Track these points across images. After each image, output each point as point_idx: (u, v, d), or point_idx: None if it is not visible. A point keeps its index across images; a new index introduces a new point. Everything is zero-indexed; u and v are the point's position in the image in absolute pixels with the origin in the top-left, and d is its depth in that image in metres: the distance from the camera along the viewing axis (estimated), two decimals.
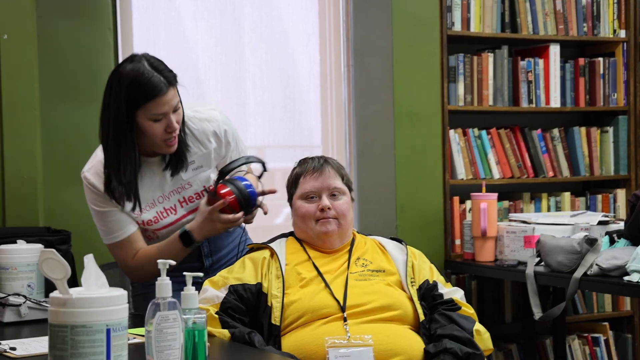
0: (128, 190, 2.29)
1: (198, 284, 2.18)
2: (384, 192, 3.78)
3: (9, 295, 2.34)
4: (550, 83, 4.03)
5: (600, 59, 4.13)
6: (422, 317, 2.17)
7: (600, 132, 4.18)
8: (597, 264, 2.99)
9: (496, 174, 3.94)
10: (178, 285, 1.70)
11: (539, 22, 4.00)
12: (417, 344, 2.11)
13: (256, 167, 2.48)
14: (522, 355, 3.86)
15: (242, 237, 2.50)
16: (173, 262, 1.65)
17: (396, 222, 3.73)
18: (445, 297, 2.24)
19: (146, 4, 3.52)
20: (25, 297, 2.33)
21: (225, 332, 2.07)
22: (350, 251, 2.28)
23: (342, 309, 2.11)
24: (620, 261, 2.89)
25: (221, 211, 2.28)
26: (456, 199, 3.86)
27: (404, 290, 2.22)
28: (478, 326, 2.19)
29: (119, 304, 1.47)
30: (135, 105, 2.21)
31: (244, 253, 2.38)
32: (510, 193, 4.03)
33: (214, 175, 2.42)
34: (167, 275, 1.62)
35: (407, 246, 2.32)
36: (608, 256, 2.94)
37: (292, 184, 2.32)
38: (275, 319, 2.10)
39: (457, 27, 3.84)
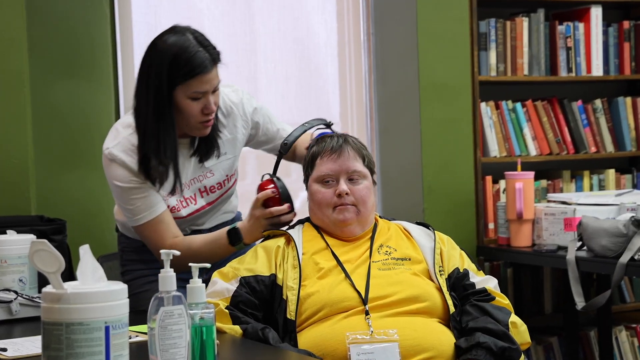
0: (169, 170, 2.31)
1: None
2: (409, 173, 3.76)
3: None
4: (592, 49, 3.99)
5: None
6: (452, 309, 2.15)
7: None
8: None
9: (533, 150, 3.91)
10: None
11: None
12: (447, 338, 2.10)
13: None
14: (564, 348, 3.84)
15: None
16: (177, 253, 1.64)
17: (423, 205, 3.72)
18: (478, 286, 2.22)
19: None
20: (16, 292, 2.32)
21: (237, 329, 2.07)
22: (372, 238, 2.26)
23: (364, 301, 2.10)
24: None
25: (266, 206, 2.30)
26: (489, 178, 3.84)
27: (432, 280, 2.20)
28: (514, 318, 2.17)
29: (119, 299, 1.46)
30: (176, 81, 2.24)
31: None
32: (549, 171, 4.01)
33: (237, 164, 2.47)
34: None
35: (435, 231, 2.30)
36: None
37: (309, 164, 2.30)
38: (291, 313, 2.09)
39: None
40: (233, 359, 1.92)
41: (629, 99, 4.11)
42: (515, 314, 2.21)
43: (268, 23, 3.69)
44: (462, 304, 2.19)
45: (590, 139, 4.02)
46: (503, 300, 2.22)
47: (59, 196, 3.21)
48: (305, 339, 2.08)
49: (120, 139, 2.35)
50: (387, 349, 2.02)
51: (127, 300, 1.49)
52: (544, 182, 3.94)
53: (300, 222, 2.34)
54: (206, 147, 2.39)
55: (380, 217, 2.38)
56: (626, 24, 4.08)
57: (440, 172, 3.75)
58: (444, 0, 3.73)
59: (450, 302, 2.16)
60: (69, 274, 2.43)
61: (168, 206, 2.38)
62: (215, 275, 2.19)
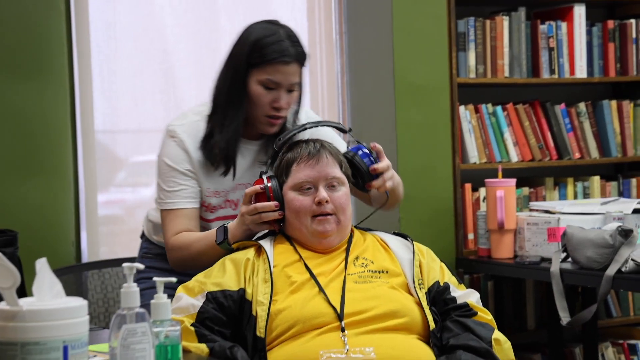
0: (228, 147, 2.39)
1: None
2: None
3: None
4: (575, 50, 4.02)
5: (633, 21, 4.12)
6: (432, 325, 2.16)
7: (633, 105, 4.18)
8: (632, 259, 2.98)
9: (514, 156, 3.94)
10: None
11: None
12: (426, 356, 2.10)
13: None
14: None
15: None
16: (140, 266, 1.63)
17: (399, 214, 3.72)
18: (459, 301, 2.23)
19: None
20: None
21: (203, 347, 2.05)
22: (347, 249, 2.26)
23: (340, 317, 2.09)
24: None
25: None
26: (468, 186, 3.86)
27: (411, 294, 2.20)
28: (497, 334, 2.18)
29: (78, 316, 1.45)
30: (253, 63, 2.36)
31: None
32: (531, 178, 4.03)
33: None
34: None
35: (414, 242, 2.31)
36: None
37: (283, 171, 2.29)
38: (261, 330, 2.08)
39: None
40: None
41: (614, 102, 4.15)
42: (498, 330, 2.22)
43: (233, 20, 3.68)
44: (443, 320, 2.20)
45: (574, 144, 4.06)
46: (486, 316, 2.22)
47: (10, 205, 3.18)
48: (276, 357, 2.07)
49: (187, 121, 2.46)
50: None
51: (87, 317, 1.48)
52: (526, 190, 3.96)
53: (272, 233, 2.33)
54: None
55: (355, 227, 2.38)
56: (611, 24, 4.12)
57: (416, 179, 3.76)
58: None
59: (430, 317, 2.16)
60: (20, 290, 2.40)
61: (209, 205, 2.46)
62: (180, 290, 2.18)
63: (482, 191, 3.84)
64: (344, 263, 2.22)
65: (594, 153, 4.10)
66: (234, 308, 2.13)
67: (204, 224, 2.50)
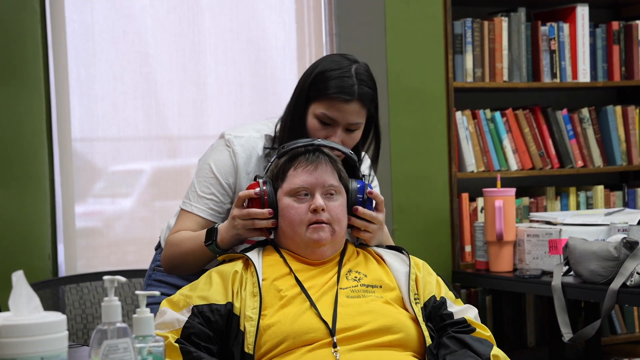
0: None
1: None
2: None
3: None
4: (578, 53, 4.05)
5: (639, 22, 4.15)
6: (428, 342, 2.17)
7: (639, 111, 4.21)
8: (638, 273, 3.00)
9: (513, 164, 3.96)
10: None
11: None
12: None
13: None
14: None
15: None
16: (122, 279, 1.64)
17: (392, 225, 3.74)
18: (456, 316, 2.24)
19: None
20: None
21: None
22: (340, 262, 2.27)
23: (332, 332, 2.10)
24: None
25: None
26: (465, 196, 3.88)
27: (406, 309, 2.21)
28: (496, 351, 2.19)
29: (57, 331, 1.45)
30: (312, 95, 2.38)
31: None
32: (531, 188, 4.05)
33: None
34: None
35: (410, 256, 2.32)
36: None
37: (278, 175, 2.30)
38: (249, 346, 2.09)
39: None
40: None
41: (618, 108, 4.17)
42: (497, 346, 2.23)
43: (218, 21, 3.70)
44: (440, 336, 2.21)
45: (577, 152, 4.08)
46: (484, 332, 2.24)
47: None
48: None
49: (246, 136, 2.48)
50: None
51: (66, 333, 1.48)
52: (526, 200, 3.99)
53: (260, 244, 2.34)
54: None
55: (347, 239, 2.39)
56: (615, 25, 4.15)
57: (411, 188, 3.78)
58: None
59: (426, 333, 2.17)
60: None
61: None
62: (164, 304, 2.18)
63: (480, 201, 3.86)
64: (336, 276, 2.23)
65: (598, 161, 4.12)
66: (221, 323, 2.14)
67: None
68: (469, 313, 2.26)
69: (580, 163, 4.08)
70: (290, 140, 2.37)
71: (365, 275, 2.25)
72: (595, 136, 4.13)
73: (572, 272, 3.26)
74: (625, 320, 4.16)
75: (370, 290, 2.21)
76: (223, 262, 2.31)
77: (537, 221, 3.67)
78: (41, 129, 3.28)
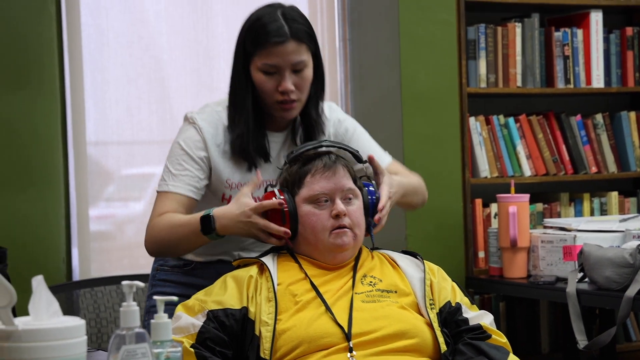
0: (241, 141, 2.40)
1: None
2: None
3: None
4: (592, 58, 4.05)
5: None
6: (443, 348, 2.17)
7: None
8: None
9: (527, 170, 3.96)
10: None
11: None
12: None
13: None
14: None
15: None
16: (141, 284, 1.64)
17: (406, 231, 3.74)
18: (472, 322, 2.24)
19: None
20: None
21: None
22: (355, 267, 2.28)
23: (347, 337, 2.11)
24: None
25: (267, 216, 2.28)
26: (479, 201, 3.88)
27: (422, 315, 2.22)
28: (512, 358, 2.20)
29: (76, 336, 1.46)
30: (250, 51, 2.37)
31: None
32: (545, 194, 4.05)
33: None
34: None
35: (425, 261, 2.33)
36: None
37: (295, 183, 2.30)
38: (265, 351, 2.09)
39: None
40: None
41: (632, 114, 4.17)
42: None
43: (232, 26, 3.71)
44: (455, 342, 2.21)
45: (591, 157, 4.08)
46: (500, 339, 2.24)
47: None
48: None
49: (208, 110, 2.48)
50: None
51: (85, 337, 1.49)
52: (539, 206, 3.98)
53: (274, 250, 2.35)
54: (309, 139, 2.46)
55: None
56: (629, 31, 4.15)
57: None
58: (428, 3, 3.77)
59: (441, 339, 2.18)
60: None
61: (230, 198, 2.43)
62: (179, 309, 2.19)
63: (494, 207, 3.86)
64: (351, 281, 2.24)
65: (612, 167, 4.12)
66: (236, 328, 2.14)
67: None
68: (485, 319, 2.27)
69: (594, 169, 4.08)
70: (243, 104, 2.39)
71: (381, 280, 2.26)
72: (609, 142, 4.13)
73: (586, 279, 3.26)
74: None
75: (386, 295, 2.22)
76: (237, 267, 2.32)
77: (551, 227, 3.66)
78: (57, 133, 3.30)
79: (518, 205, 3.60)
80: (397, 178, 2.47)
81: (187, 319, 2.15)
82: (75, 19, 3.46)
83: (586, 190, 4.10)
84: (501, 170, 3.92)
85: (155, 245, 2.43)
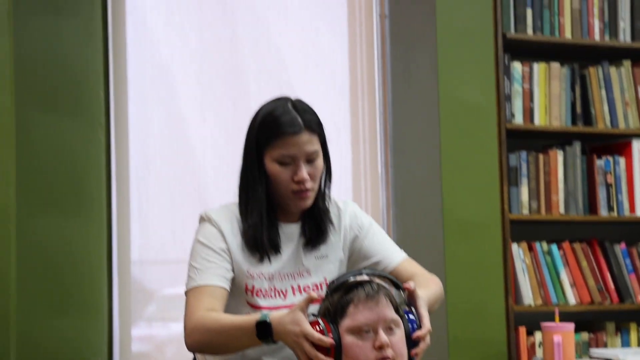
0: (255, 234, 2.42)
1: None
2: (432, 321, 3.72)
3: None
4: (635, 186, 4.05)
5: None
6: None
7: None
8: None
9: (571, 298, 3.91)
10: None
11: (618, 113, 4.06)
12: None
13: None
14: None
15: None
16: None
17: (448, 359, 3.69)
18: None
19: (142, 95, 3.63)
20: None
21: None
22: None
23: None
24: None
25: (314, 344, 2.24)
26: (522, 329, 3.83)
27: None
28: None
29: None
30: (264, 144, 2.41)
31: None
32: (591, 323, 3.99)
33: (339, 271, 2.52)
34: None
35: None
36: None
37: (338, 312, 2.28)
38: None
39: (519, 120, 3.90)
40: None
41: None
42: None
43: None
44: None
45: (637, 286, 4.03)
46: None
47: (43, 343, 3.25)
48: None
49: (221, 208, 2.51)
50: None
51: None
52: (585, 335, 3.92)
53: None
54: (316, 231, 2.48)
55: None
56: None
57: (467, 321, 3.74)
58: (470, 129, 3.81)
59: None
60: None
61: (253, 288, 2.43)
62: None
63: (538, 335, 3.80)
64: None
65: None
66: None
67: (252, 311, 2.45)
68: None
69: None
70: (256, 195, 2.40)
71: None
72: None
73: None
74: None
75: None
76: None
77: (598, 358, 3.60)
78: (102, 255, 3.34)
79: (563, 334, 3.54)
80: (424, 295, 2.44)
81: None
82: (123, 146, 3.55)
83: (633, 320, 4.04)
84: (545, 297, 3.88)
85: (201, 344, 2.37)
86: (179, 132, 3.69)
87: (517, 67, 3.92)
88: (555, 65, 3.99)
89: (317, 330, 2.22)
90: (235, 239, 2.44)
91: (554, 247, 3.94)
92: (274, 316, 2.27)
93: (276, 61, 3.85)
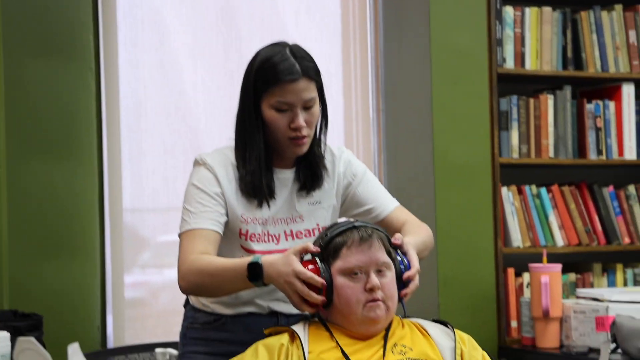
0: (253, 179, 2.42)
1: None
2: (423, 263, 3.76)
3: None
4: (624, 130, 4.06)
5: None
6: None
7: None
8: None
9: (559, 240, 3.95)
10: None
11: (609, 57, 4.05)
12: None
13: None
14: None
15: None
16: (174, 352, 1.66)
17: (438, 299, 3.73)
18: None
19: (133, 40, 3.61)
20: None
21: None
22: (385, 336, 2.28)
23: None
24: None
25: (306, 283, 2.27)
26: (511, 271, 3.86)
27: None
28: None
29: None
30: (261, 90, 2.39)
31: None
32: (578, 264, 4.03)
33: (332, 217, 2.52)
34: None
35: (455, 330, 2.33)
36: None
37: (330, 254, 2.31)
38: None
39: (510, 64, 3.90)
40: None
41: None
42: None
43: None
44: None
45: (624, 228, 4.06)
46: None
47: (35, 288, 3.24)
48: None
49: (216, 152, 2.50)
50: None
51: None
52: (572, 276, 3.96)
53: (305, 318, 2.36)
54: (311, 178, 2.49)
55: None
56: None
57: (457, 263, 3.78)
58: (461, 75, 3.81)
59: None
60: None
61: (247, 233, 2.44)
62: None
63: (526, 276, 3.85)
64: (382, 350, 2.24)
65: None
66: None
67: (247, 255, 2.45)
68: None
69: (627, 240, 4.06)
70: (253, 142, 2.40)
71: (411, 349, 2.25)
72: None
73: (619, 350, 3.23)
74: None
75: None
76: (269, 334, 2.33)
77: (584, 298, 3.64)
78: (94, 201, 3.35)
79: (550, 275, 3.59)
80: (412, 240, 2.47)
81: None
82: (114, 91, 3.53)
83: (619, 261, 4.07)
84: (533, 240, 3.92)
85: (195, 286, 2.39)
86: (170, 77, 3.68)
87: (508, 11, 3.91)
88: (547, 9, 3.97)
89: (309, 270, 2.25)
90: (230, 184, 2.44)
91: (543, 190, 3.97)
92: (266, 258, 2.29)
93: (268, 6, 3.83)
